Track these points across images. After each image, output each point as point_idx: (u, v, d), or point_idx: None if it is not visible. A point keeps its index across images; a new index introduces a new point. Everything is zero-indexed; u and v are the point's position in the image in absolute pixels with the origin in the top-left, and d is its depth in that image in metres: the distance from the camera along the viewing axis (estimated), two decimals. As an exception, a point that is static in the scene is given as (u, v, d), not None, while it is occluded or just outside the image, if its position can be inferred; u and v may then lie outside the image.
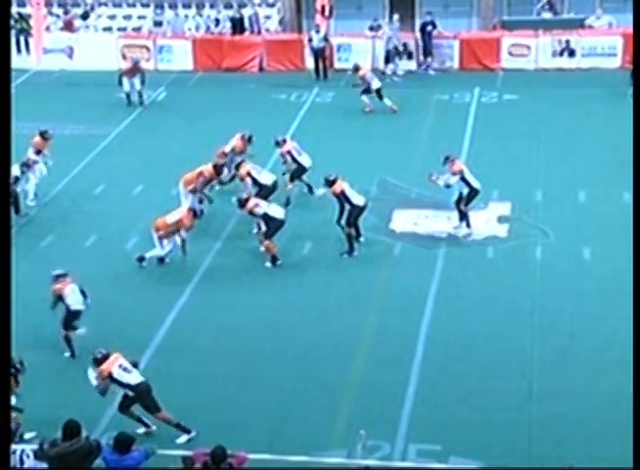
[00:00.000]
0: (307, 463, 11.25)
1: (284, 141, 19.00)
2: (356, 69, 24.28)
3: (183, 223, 16.17)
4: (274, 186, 17.74)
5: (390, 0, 32.05)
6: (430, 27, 27.58)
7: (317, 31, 27.65)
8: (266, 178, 17.76)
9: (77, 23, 30.60)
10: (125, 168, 20.81)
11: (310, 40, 27.59)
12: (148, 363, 13.60)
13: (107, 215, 18.50)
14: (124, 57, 28.66)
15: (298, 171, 18.69)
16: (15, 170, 18.04)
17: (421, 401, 12.58)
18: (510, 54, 27.73)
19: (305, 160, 18.73)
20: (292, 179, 18.64)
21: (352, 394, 12.83)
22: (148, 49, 28.80)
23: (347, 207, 16.60)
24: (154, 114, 24.99)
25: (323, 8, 29.04)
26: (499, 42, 27.79)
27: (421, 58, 27.83)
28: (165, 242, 16.22)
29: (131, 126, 23.91)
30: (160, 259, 16.44)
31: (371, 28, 28.86)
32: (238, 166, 18.17)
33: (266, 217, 16.19)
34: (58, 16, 30.92)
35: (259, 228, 16.51)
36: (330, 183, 16.61)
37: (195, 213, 16.44)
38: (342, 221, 16.73)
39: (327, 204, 17.33)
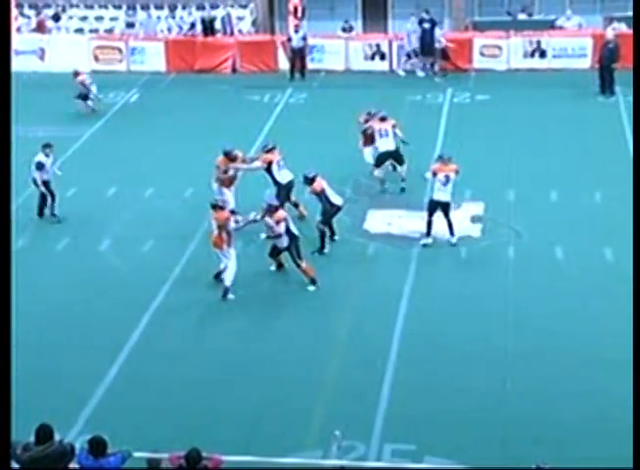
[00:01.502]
0: (282, 464, 11.24)
1: (384, 117, 19.05)
2: (76, 74, 24.40)
3: (223, 219, 15.36)
4: (291, 185, 17.51)
5: (363, 1, 32.15)
6: (427, 25, 27.52)
7: (296, 31, 27.69)
8: (285, 176, 17.53)
9: (49, 24, 30.45)
10: (98, 171, 20.72)
11: (290, 40, 27.61)
12: (122, 366, 13.56)
13: (79, 218, 18.40)
14: (96, 58, 28.60)
15: (383, 157, 18.81)
16: (40, 157, 18.07)
17: (395, 401, 12.60)
18: (482, 55, 27.89)
19: (388, 143, 18.82)
20: (377, 165, 18.77)
21: (327, 394, 12.84)
22: (120, 50, 28.71)
23: (326, 205, 16.56)
24: (127, 115, 24.92)
25: (295, 9, 29.09)
26: (471, 43, 27.93)
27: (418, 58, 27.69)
28: (232, 251, 15.56)
29: (104, 128, 23.83)
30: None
31: (343, 29, 28.96)
32: (268, 150, 17.57)
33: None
34: (29, 17, 30.75)
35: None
36: (309, 181, 16.55)
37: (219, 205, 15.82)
38: (318, 218, 16.71)
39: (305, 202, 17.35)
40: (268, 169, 17.52)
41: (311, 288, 15.59)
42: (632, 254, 15.39)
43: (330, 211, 16.57)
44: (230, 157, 17.68)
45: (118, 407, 12.60)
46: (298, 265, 15.59)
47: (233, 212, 16.13)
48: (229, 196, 17.56)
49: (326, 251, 16.62)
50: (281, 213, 15.45)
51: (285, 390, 12.96)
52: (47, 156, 18.33)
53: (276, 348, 14.01)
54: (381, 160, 18.96)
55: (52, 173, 18.44)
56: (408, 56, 27.60)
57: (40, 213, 18.40)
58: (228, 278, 15.39)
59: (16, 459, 9.97)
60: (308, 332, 14.43)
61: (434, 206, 16.72)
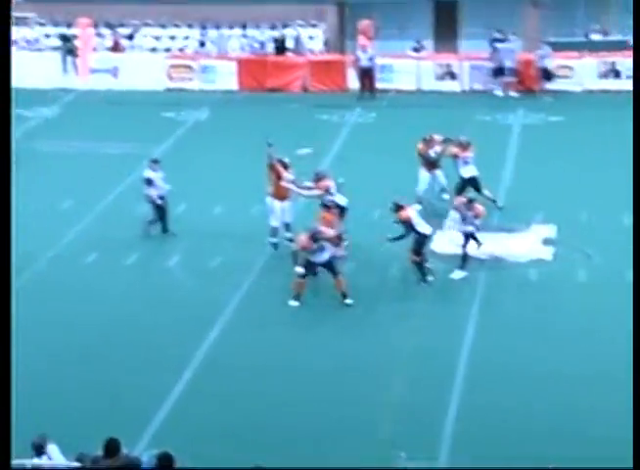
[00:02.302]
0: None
1: (468, 144, 18.95)
2: None
3: (327, 221, 16.01)
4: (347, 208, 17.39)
5: (435, 21, 32.10)
6: (501, 45, 27.40)
7: (364, 51, 27.75)
8: (342, 200, 17.35)
9: (124, 43, 30.97)
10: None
11: (357, 60, 27.69)
12: (188, 381, 13.63)
13: (149, 233, 18.56)
14: (170, 76, 28.97)
15: (468, 183, 18.69)
16: (147, 173, 18.34)
17: (461, 423, 12.45)
18: (555, 75, 27.57)
19: (473, 169, 18.74)
20: (460, 192, 18.43)
21: (392, 414, 12.74)
22: (192, 69, 29.06)
23: (413, 235, 16.21)
24: (197, 133, 25.15)
25: (366, 29, 29.12)
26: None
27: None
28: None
29: (175, 146, 24.04)
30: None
31: (415, 49, 28.93)
32: (320, 179, 17.43)
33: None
34: (105, 36, 31.30)
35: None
36: (397, 208, 16.26)
37: (327, 206, 16.28)
38: (392, 241, 16.37)
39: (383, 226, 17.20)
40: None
41: (348, 301, 15.62)
42: (632, 254, 15.06)
43: (419, 240, 16.21)
44: (284, 164, 17.38)
45: (184, 423, 12.63)
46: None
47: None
48: (277, 208, 17.38)
49: (430, 279, 16.31)
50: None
51: (349, 409, 12.88)
52: (155, 171, 18.44)
53: (341, 365, 13.96)
54: (464, 186, 18.71)
55: (165, 188, 18.42)
56: (501, 73, 27.36)
57: (164, 229, 18.42)
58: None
59: (83, 471, 10.08)
60: (374, 350, 14.36)
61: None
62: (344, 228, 16.79)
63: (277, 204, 17.41)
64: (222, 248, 17.86)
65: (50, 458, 10.23)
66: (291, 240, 17.11)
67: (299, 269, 15.62)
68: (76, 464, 10.16)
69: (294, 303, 15.73)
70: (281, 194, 17.37)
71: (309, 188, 17.43)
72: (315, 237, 15.52)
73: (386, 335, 14.87)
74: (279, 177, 17.32)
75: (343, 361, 14.12)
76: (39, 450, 10.30)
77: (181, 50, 31.17)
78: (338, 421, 12.65)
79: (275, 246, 17.48)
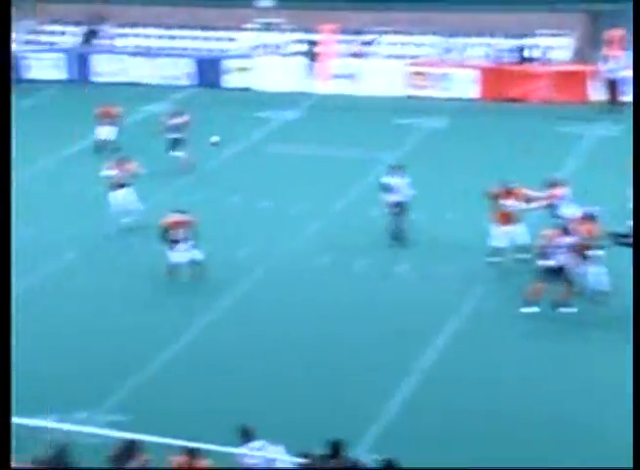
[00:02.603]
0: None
1: None
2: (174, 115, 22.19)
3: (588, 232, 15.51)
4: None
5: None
6: None
7: (608, 62, 26.65)
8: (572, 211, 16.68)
9: (364, 49, 31.29)
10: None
11: (601, 71, 26.64)
12: (412, 387, 13.51)
13: (375, 236, 18.41)
14: (410, 84, 28.95)
15: None
16: (387, 179, 18.37)
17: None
18: None
19: None
20: None
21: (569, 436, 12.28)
22: (432, 76, 28.92)
23: None
24: (435, 141, 24.94)
25: (615, 39, 27.88)
26: None
27: None
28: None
29: (411, 153, 23.88)
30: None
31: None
32: (552, 185, 17.05)
33: None
34: (347, 43, 31.72)
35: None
36: (619, 235, 15.54)
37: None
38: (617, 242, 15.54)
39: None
40: (551, 205, 16.80)
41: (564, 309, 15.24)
42: (633, 254, 13.95)
43: None
44: (508, 190, 16.99)
45: (406, 429, 12.51)
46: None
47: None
48: (499, 233, 16.92)
49: None
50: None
51: (562, 428, 12.52)
52: (402, 177, 18.26)
53: (567, 385, 13.57)
54: None
55: (408, 195, 18.30)
56: None
57: (398, 236, 18.27)
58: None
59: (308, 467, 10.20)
60: (599, 371, 13.88)
61: None
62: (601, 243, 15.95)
63: (500, 229, 17.00)
64: (454, 256, 17.62)
65: (259, 448, 10.49)
66: (525, 261, 16.60)
67: (543, 262, 15.13)
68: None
69: (528, 309, 15.29)
70: (504, 219, 17.01)
71: (536, 198, 17.05)
72: (566, 230, 15.09)
73: (616, 358, 14.15)
74: (499, 204, 16.98)
75: (571, 380, 13.70)
76: (245, 437, 10.62)
77: (421, 57, 31.08)
78: (546, 441, 12.27)
79: (494, 265, 17.03)
